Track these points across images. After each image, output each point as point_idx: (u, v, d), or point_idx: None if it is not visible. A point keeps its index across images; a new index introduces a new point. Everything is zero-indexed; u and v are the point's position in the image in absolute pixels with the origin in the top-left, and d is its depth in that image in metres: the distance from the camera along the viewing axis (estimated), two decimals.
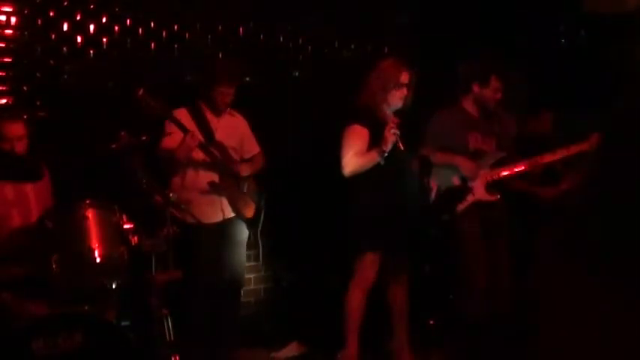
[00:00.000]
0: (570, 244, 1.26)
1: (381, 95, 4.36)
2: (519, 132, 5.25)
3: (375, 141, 4.31)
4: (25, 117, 4.03)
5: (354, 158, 4.33)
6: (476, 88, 4.71)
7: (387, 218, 4.33)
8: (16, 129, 3.86)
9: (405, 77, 4.38)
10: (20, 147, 3.86)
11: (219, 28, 5.21)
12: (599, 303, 1.19)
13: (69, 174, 4.18)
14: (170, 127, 4.41)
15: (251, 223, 4.68)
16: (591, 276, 1.21)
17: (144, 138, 3.88)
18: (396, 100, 4.37)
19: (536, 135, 5.45)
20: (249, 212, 4.66)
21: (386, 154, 4.24)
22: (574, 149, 4.55)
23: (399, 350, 4.57)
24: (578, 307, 1.22)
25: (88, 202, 3.71)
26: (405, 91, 4.37)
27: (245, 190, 4.63)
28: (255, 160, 4.80)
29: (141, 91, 4.08)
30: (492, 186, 4.64)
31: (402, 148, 4.30)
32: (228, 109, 4.68)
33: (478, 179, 4.62)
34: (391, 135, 4.22)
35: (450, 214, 4.64)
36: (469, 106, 4.75)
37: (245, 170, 4.62)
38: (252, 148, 4.83)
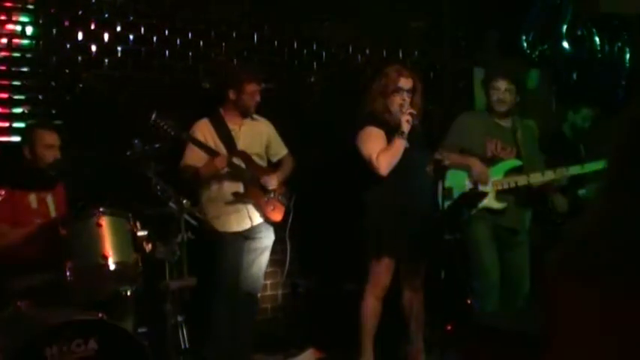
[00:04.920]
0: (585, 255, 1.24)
1: (381, 100, 4.34)
2: (542, 133, 5.20)
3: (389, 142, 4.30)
4: (58, 127, 4.09)
5: (382, 156, 4.25)
6: (486, 91, 4.70)
7: (401, 223, 4.30)
8: (50, 138, 3.93)
9: (405, 82, 4.32)
10: (51, 156, 3.91)
11: (233, 34, 5.22)
12: (612, 317, 1.17)
13: (83, 182, 4.19)
14: (192, 147, 4.42)
15: (280, 226, 4.69)
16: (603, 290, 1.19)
17: (157, 146, 3.90)
18: (395, 105, 4.31)
19: (563, 135, 5.44)
20: (278, 216, 4.66)
21: (406, 135, 4.21)
22: (588, 167, 4.51)
23: (415, 356, 4.54)
24: (592, 318, 1.20)
25: (101, 209, 3.72)
26: (404, 96, 4.31)
27: (272, 195, 4.62)
28: (283, 163, 4.78)
29: (153, 116, 4.09)
30: (503, 194, 4.59)
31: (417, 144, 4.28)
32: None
33: (489, 185, 4.57)
34: (406, 118, 4.20)
35: (464, 218, 4.61)
36: (492, 111, 4.72)
37: (273, 183, 4.59)
38: (279, 150, 4.81)
